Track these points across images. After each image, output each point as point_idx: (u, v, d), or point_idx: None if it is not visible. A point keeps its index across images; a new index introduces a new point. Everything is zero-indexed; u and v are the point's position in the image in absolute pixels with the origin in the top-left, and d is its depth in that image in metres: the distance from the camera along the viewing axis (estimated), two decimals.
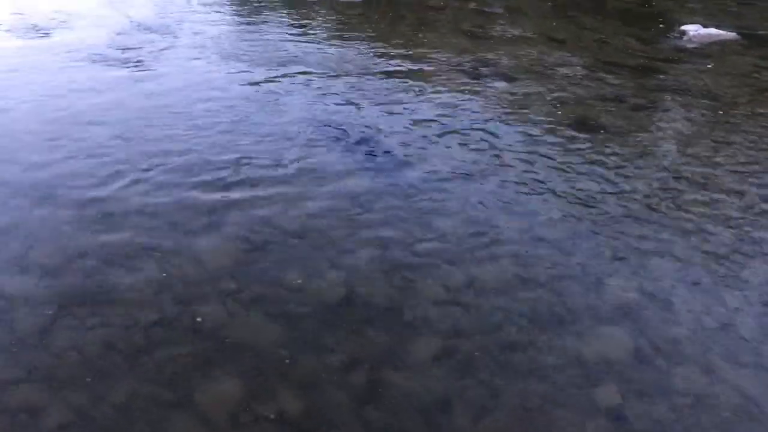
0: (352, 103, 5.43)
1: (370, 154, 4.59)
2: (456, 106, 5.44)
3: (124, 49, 6.76)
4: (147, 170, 4.28)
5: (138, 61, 6.39)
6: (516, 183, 4.27)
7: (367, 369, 2.79)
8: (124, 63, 6.33)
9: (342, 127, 4.98)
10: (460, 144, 4.77)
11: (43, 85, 5.69)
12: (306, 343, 2.93)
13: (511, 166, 4.49)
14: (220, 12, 8.61)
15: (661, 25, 8.16)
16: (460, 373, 2.77)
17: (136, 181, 4.15)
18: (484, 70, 6.37)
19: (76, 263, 3.39)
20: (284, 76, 6.05)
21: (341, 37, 7.41)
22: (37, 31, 7.42)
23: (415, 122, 5.10)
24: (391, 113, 5.26)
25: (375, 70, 6.23)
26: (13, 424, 2.48)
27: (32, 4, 8.64)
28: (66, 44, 6.90)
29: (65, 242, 3.54)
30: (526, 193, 4.15)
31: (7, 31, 7.39)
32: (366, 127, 5.00)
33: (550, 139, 4.90)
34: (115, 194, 4.01)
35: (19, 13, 8.11)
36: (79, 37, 7.20)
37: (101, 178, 4.18)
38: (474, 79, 6.10)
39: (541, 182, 4.28)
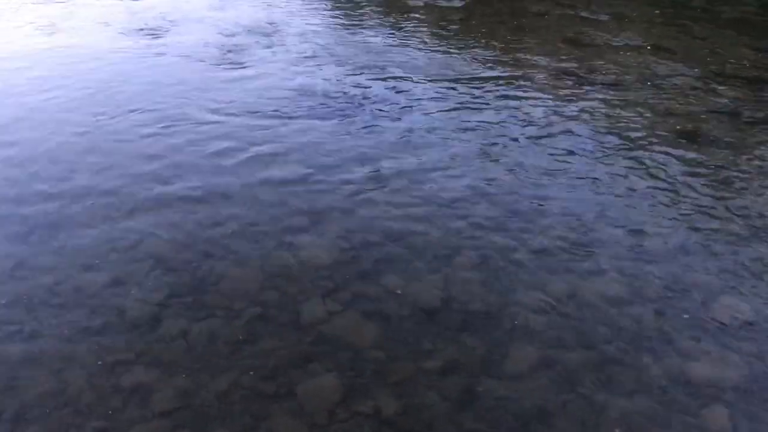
0: (451, 109, 5.41)
1: (468, 159, 4.56)
2: (558, 112, 5.34)
3: (230, 50, 6.99)
4: (249, 168, 4.41)
5: (243, 62, 6.59)
6: (621, 194, 4.14)
7: (464, 374, 2.77)
8: (231, 64, 6.55)
9: (441, 133, 4.97)
10: (563, 151, 4.67)
11: (158, 84, 5.97)
12: (403, 344, 2.94)
13: (616, 176, 4.35)
14: (319, 15, 8.78)
15: None
16: (560, 386, 2.71)
17: (240, 177, 4.28)
18: (588, 77, 6.21)
19: (184, 255, 3.53)
20: (383, 79, 6.09)
21: (441, 42, 7.41)
22: (150, 32, 7.77)
23: (516, 128, 5.03)
24: (491, 118, 5.21)
25: (475, 75, 6.19)
26: (126, 403, 2.60)
27: (145, 6, 9.08)
28: (177, 45, 7.22)
29: (175, 234, 3.68)
30: (632, 205, 4.02)
31: (122, 32, 7.77)
32: (464, 132, 4.98)
33: (658, 149, 4.72)
34: (221, 188, 4.16)
35: (134, 15, 8.54)
36: (189, 38, 7.50)
37: (208, 173, 4.34)
38: (578, 85, 5.96)
39: (649, 194, 4.13)
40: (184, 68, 6.43)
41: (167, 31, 7.82)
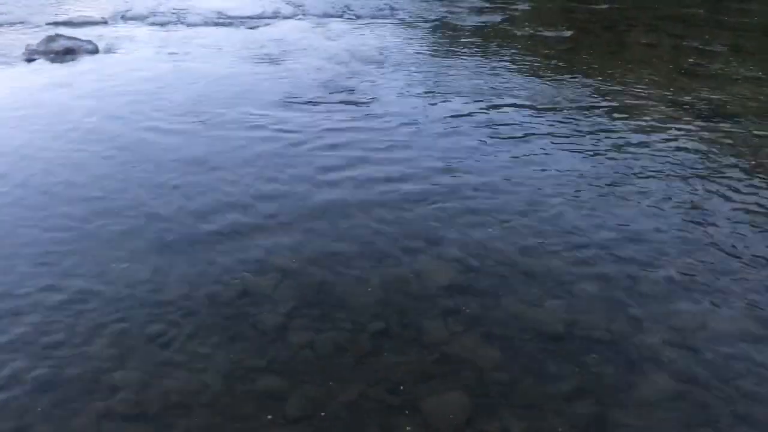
0: (565, 138, 5.40)
1: (586, 187, 4.53)
2: (677, 144, 5.23)
3: (343, 77, 7.23)
4: (366, 189, 4.53)
5: (355, 89, 6.79)
6: (748, 229, 4.01)
7: (591, 401, 2.73)
8: (343, 90, 6.76)
9: (556, 161, 4.96)
10: (683, 182, 4.57)
11: (272, 106, 6.22)
12: (527, 368, 2.93)
13: (741, 211, 4.22)
14: (428, 45, 8.96)
15: None
16: (693, 419, 2.63)
17: (358, 198, 4.40)
18: (705, 109, 6.06)
19: (308, 269, 3.65)
20: (495, 107, 6.15)
21: (550, 72, 7.41)
22: (266, 59, 8.13)
23: (634, 159, 4.97)
24: (607, 148, 5.16)
25: (588, 105, 6.16)
26: (260, 408, 2.70)
27: (262, 35, 9.51)
28: (292, 71, 7.53)
29: (299, 249, 3.82)
30: (762, 241, 3.88)
31: (239, 59, 8.16)
32: (580, 160, 4.95)
33: None
34: (341, 207, 4.28)
35: (251, 44, 8.95)
36: (304, 65, 7.80)
37: (327, 192, 4.49)
38: (695, 118, 5.82)
39: None
40: (297, 93, 6.68)
41: (282, 58, 8.16)
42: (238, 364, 2.96)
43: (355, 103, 6.33)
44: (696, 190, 4.50)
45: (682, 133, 5.48)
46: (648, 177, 4.67)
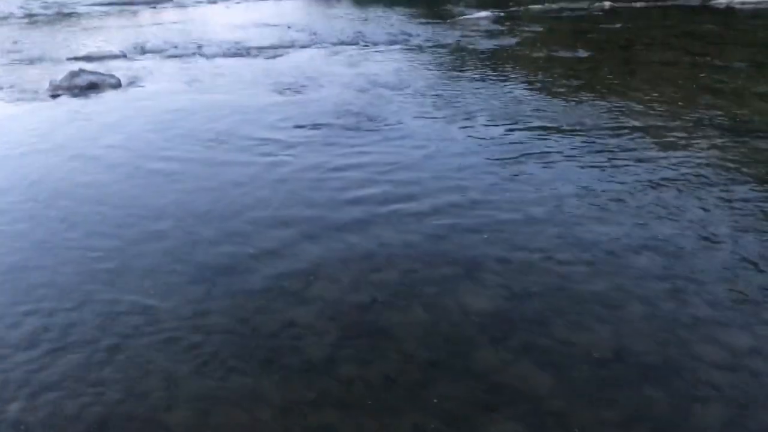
0: (596, 159, 5.39)
1: (621, 209, 4.51)
2: (711, 162, 5.21)
3: (365, 105, 7.28)
4: (399, 217, 4.54)
5: (380, 118, 6.82)
6: None
7: (649, 427, 2.70)
8: (367, 118, 6.80)
9: (589, 183, 4.94)
10: (722, 201, 4.54)
11: (298, 135, 6.27)
12: (580, 394, 2.90)
13: None
14: (445, 70, 9.02)
15: None
16: None
17: (393, 225, 4.40)
18: (737, 127, 6.03)
19: (349, 298, 3.64)
20: (521, 129, 6.16)
21: (573, 92, 7.42)
22: (287, 87, 8.22)
23: (668, 178, 4.94)
24: (640, 167, 5.15)
25: (615, 126, 6.15)
26: None
27: (282, 65, 9.61)
28: (312, 98, 7.60)
29: (339, 278, 3.82)
30: None
31: (261, 87, 8.24)
32: (614, 182, 4.93)
33: None
34: (377, 236, 4.28)
35: (272, 74, 9.04)
36: (323, 93, 7.87)
37: (360, 222, 4.49)
38: (727, 136, 5.80)
39: None
40: (320, 120, 6.72)
41: (301, 86, 8.24)
42: (289, 397, 2.94)
43: (379, 131, 6.36)
44: (735, 208, 4.46)
45: (712, 151, 5.46)
46: (683, 198, 4.64)
